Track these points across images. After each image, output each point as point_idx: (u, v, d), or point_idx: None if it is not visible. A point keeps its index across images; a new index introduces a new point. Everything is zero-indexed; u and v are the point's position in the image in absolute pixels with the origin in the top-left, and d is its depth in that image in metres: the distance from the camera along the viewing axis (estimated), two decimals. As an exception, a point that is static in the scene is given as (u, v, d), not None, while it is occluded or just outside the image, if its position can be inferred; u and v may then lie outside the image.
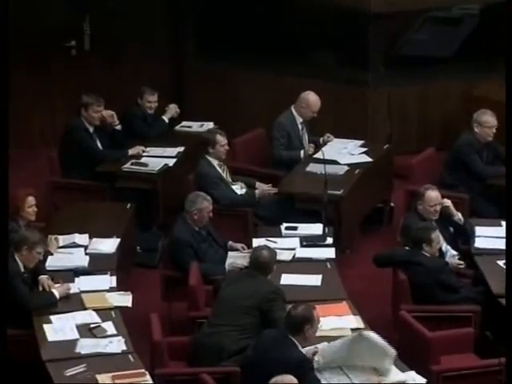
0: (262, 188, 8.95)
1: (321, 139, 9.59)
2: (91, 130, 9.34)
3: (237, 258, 7.87)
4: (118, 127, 9.52)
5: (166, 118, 9.91)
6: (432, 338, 6.85)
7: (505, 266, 7.68)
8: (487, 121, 9.04)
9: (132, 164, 9.21)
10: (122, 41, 11.07)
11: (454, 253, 8.04)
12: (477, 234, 8.12)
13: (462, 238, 8.23)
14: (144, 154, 9.39)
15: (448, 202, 8.20)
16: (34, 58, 10.90)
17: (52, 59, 10.99)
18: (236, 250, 8.07)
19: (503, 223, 8.30)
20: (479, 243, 8.02)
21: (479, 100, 9.73)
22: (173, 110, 9.97)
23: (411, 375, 6.49)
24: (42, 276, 7.29)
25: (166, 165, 9.23)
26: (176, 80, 11.41)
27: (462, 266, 7.89)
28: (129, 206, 8.68)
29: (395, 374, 6.50)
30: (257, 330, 6.81)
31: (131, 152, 9.36)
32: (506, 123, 4.05)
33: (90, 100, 9.31)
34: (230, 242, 8.13)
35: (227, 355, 6.77)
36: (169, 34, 11.33)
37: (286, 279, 7.47)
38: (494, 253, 7.88)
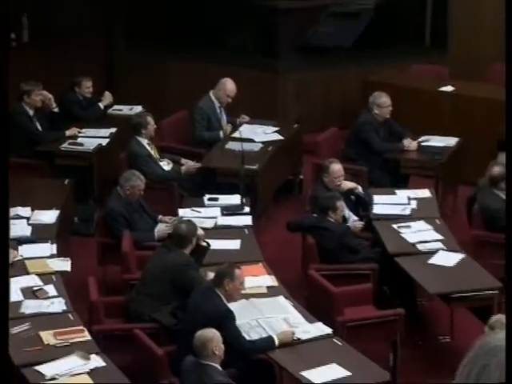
0: (188, 164, 8.92)
1: (237, 120, 9.60)
2: (31, 113, 9.23)
3: (164, 227, 7.85)
4: (56, 110, 9.44)
5: (101, 105, 9.84)
6: (337, 293, 6.92)
7: (400, 230, 7.81)
8: (385, 101, 9.13)
9: (69, 144, 9.14)
10: (57, 33, 10.90)
11: (356, 218, 8.12)
12: (375, 201, 8.21)
13: (361, 205, 8.32)
14: (80, 134, 9.31)
15: (351, 185, 8.23)
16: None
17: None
18: (165, 222, 8.03)
19: (397, 192, 8.43)
20: (377, 210, 8.11)
21: (375, 84, 9.82)
22: (108, 97, 9.91)
23: (319, 326, 6.55)
24: None
25: (99, 144, 9.15)
26: (108, 68, 11.30)
27: (361, 226, 7.97)
28: (67, 181, 8.62)
29: (304, 324, 6.56)
30: (174, 297, 6.78)
31: (68, 133, 9.28)
32: (506, 119, 4.02)
33: (30, 87, 9.22)
34: (160, 216, 8.08)
35: (147, 320, 6.74)
36: (100, 27, 11.20)
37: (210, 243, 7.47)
38: (389, 218, 7.98)
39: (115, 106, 10.01)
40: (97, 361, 6.11)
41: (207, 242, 7.15)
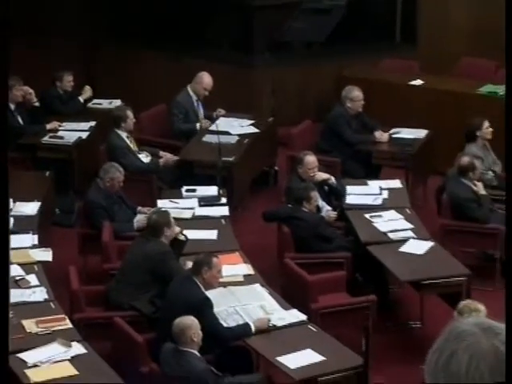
0: (166, 157, 8.89)
1: (214, 113, 9.57)
2: (12, 107, 9.16)
3: (143, 218, 7.81)
4: (36, 104, 9.39)
5: (81, 99, 9.79)
6: (311, 281, 6.92)
7: (372, 219, 7.81)
8: (357, 95, 9.12)
9: (50, 137, 9.09)
10: (38, 29, 10.82)
11: (329, 208, 8.12)
12: (347, 192, 8.21)
13: (335, 195, 8.32)
14: (60, 128, 9.26)
15: (325, 176, 8.24)
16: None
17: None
18: (144, 213, 7.99)
19: (369, 182, 8.44)
20: (349, 200, 8.12)
21: (347, 79, 9.82)
22: (88, 91, 9.85)
23: (294, 313, 6.55)
24: None
25: (79, 137, 9.10)
26: (88, 63, 11.24)
27: (335, 215, 7.98)
28: (48, 173, 8.57)
29: (280, 311, 6.56)
30: (152, 286, 6.76)
31: (49, 127, 9.22)
32: (505, 119, 3.91)
33: (12, 82, 9.11)
34: (139, 207, 8.05)
35: (126, 309, 6.71)
36: (81, 23, 11.12)
37: (187, 234, 7.44)
38: (361, 208, 8.00)
39: (95, 100, 9.95)
40: (78, 348, 6.08)
41: (185, 236, 7.12)
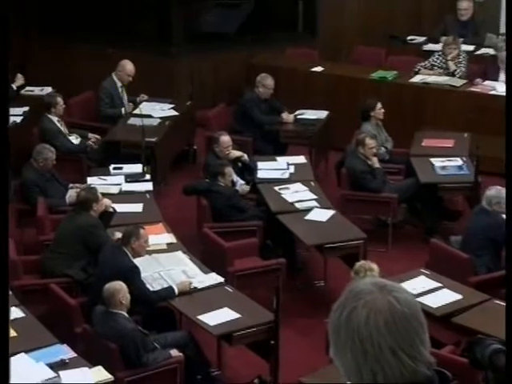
0: (95, 137, 8.76)
1: (137, 98, 9.47)
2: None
3: (74, 193, 7.70)
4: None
5: (14, 86, 9.55)
6: (227, 247, 6.93)
7: (280, 191, 7.85)
8: (269, 84, 9.13)
9: (-15, 122, 8.84)
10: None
11: (243, 182, 8.14)
12: (258, 167, 8.24)
13: (247, 171, 8.33)
14: (-5, 113, 9.01)
15: (238, 154, 8.24)
16: None
17: None
18: (76, 189, 7.87)
19: (277, 158, 8.47)
20: (260, 174, 8.15)
21: (255, 66, 9.82)
22: (20, 79, 9.63)
23: (213, 276, 6.55)
24: None
25: (14, 122, 8.89)
26: (20, 52, 10.95)
27: (247, 188, 8.00)
28: (-16, 155, 8.33)
29: (200, 275, 6.55)
30: (84, 255, 6.67)
31: (-16, 112, 8.97)
32: (506, 117, 3.80)
33: None
34: (71, 184, 7.93)
35: (60, 276, 6.62)
36: (13, 13, 10.79)
37: (116, 208, 7.36)
38: (271, 181, 8.03)
39: (27, 88, 9.75)
40: (17, 312, 5.98)
41: (113, 208, 7.07)
